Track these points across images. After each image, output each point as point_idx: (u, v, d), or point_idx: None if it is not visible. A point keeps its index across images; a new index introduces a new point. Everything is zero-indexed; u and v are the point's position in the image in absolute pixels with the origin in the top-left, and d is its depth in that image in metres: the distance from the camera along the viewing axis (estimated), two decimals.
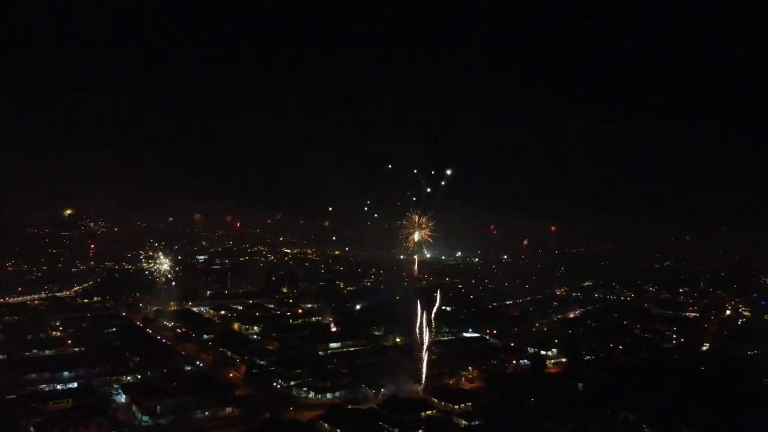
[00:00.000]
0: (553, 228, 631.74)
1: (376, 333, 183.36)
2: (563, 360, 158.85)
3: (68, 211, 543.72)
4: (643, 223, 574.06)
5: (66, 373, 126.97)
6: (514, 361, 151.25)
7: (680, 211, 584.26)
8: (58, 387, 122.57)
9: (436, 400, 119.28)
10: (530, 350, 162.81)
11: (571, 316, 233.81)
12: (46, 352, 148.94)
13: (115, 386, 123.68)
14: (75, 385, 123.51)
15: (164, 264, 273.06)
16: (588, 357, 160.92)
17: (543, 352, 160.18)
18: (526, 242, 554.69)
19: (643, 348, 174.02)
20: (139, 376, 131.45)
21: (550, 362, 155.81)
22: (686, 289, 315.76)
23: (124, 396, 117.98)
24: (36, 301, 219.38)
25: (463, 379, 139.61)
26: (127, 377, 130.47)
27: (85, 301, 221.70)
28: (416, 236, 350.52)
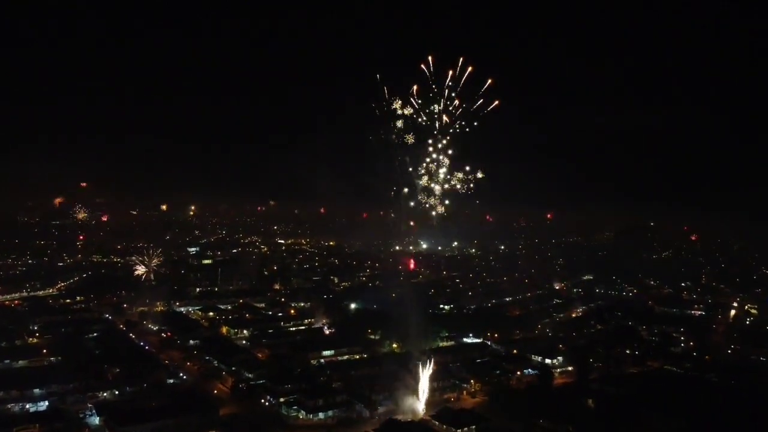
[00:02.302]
0: (549, 215, 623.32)
1: (372, 337, 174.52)
2: (570, 368, 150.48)
3: (59, 200, 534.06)
4: (638, 212, 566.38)
5: (37, 391, 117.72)
6: (518, 372, 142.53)
7: (675, 200, 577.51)
8: (28, 406, 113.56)
9: (437, 423, 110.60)
10: (534, 358, 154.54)
11: (574, 315, 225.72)
12: (20, 362, 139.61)
13: (90, 405, 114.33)
14: (46, 403, 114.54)
15: (153, 258, 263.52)
16: (596, 364, 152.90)
17: (548, 361, 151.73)
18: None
19: (651, 353, 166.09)
20: (117, 392, 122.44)
21: (556, 371, 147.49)
22: (688, 283, 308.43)
23: (98, 418, 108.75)
24: (16, 302, 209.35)
25: (464, 392, 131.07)
26: (104, 393, 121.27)
27: (68, 301, 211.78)
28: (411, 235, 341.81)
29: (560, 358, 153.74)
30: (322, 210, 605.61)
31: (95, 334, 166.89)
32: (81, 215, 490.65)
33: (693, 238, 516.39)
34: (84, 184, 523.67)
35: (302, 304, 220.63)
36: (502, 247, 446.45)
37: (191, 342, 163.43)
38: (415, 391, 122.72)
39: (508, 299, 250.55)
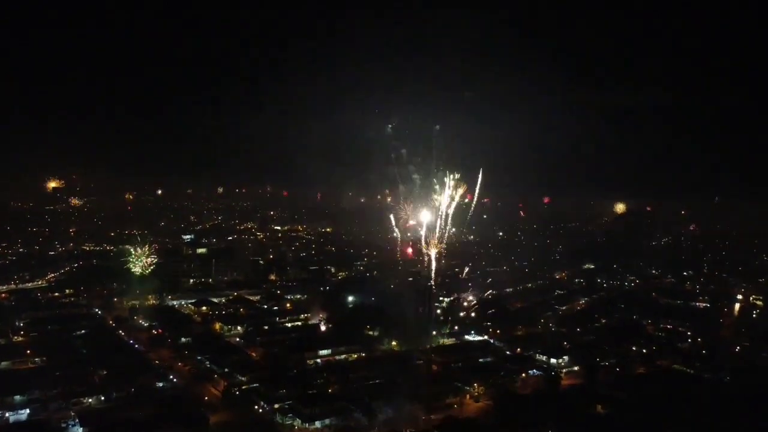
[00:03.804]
0: (546, 200, 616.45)
1: (371, 333, 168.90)
2: (576, 368, 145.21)
3: (53, 184, 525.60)
4: (633, 196, 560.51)
5: (18, 397, 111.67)
6: (523, 374, 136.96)
7: (670, 184, 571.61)
8: (8, 414, 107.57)
9: None
10: (539, 357, 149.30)
11: (577, 308, 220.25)
12: (3, 363, 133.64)
13: (72, 414, 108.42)
14: (27, 411, 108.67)
15: (146, 247, 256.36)
16: (603, 362, 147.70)
17: (553, 361, 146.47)
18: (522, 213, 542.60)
19: (659, 351, 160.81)
20: (103, 398, 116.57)
21: (562, 371, 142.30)
22: (690, 272, 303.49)
23: (80, 429, 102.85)
24: (3, 295, 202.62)
25: (468, 396, 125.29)
26: (88, 399, 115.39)
27: (56, 294, 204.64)
28: (410, 221, 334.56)
29: (566, 358, 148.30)
30: (318, 196, 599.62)
31: (83, 331, 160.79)
32: (75, 200, 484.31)
33: (692, 228, 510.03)
34: (74, 176, 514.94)
35: (298, 297, 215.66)
36: (501, 234, 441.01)
37: (183, 340, 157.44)
38: (415, 395, 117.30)
39: (508, 290, 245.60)
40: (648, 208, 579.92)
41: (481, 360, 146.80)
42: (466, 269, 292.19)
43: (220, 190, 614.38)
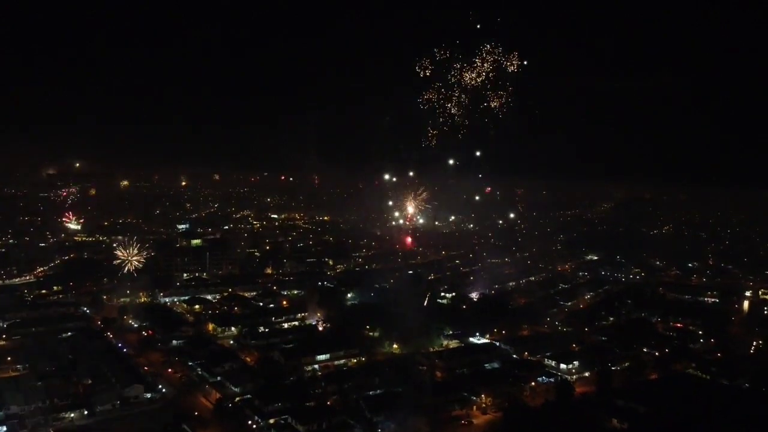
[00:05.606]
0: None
1: (371, 335, 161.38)
2: (587, 374, 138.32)
3: (49, 171, 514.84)
4: (631, 183, 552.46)
5: None
6: (532, 382, 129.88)
7: (666, 171, 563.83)
8: None
9: None
10: (548, 362, 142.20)
11: (582, 305, 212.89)
12: None
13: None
14: (4, 429, 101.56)
15: (140, 237, 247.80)
16: (615, 367, 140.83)
17: (563, 366, 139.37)
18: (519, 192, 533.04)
19: (672, 354, 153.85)
20: (87, 412, 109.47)
21: (572, 377, 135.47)
22: (695, 264, 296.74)
23: None
24: None
25: (474, 408, 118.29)
26: (71, 414, 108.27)
27: (44, 291, 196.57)
28: (410, 209, 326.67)
29: (576, 363, 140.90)
30: (315, 181, 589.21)
31: (69, 333, 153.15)
32: (70, 187, 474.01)
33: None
34: (69, 163, 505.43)
35: (295, 293, 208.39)
36: (501, 222, 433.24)
37: (174, 343, 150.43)
38: (419, 406, 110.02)
39: (511, 284, 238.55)
40: (647, 196, 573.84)
41: (487, 365, 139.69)
42: (467, 262, 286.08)
43: (216, 177, 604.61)
